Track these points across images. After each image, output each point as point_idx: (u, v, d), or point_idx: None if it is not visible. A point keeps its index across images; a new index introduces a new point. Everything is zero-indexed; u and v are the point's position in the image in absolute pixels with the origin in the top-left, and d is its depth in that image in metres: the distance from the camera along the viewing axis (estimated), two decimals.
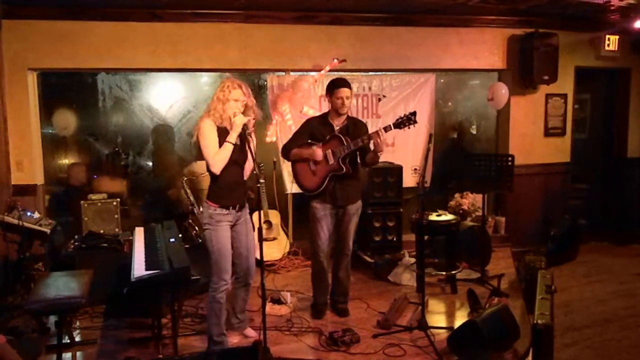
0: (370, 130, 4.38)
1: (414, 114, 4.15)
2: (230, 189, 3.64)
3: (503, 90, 6.08)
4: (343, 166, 4.22)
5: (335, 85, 4.29)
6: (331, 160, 4.26)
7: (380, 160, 4.36)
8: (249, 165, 3.76)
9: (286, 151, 4.44)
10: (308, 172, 4.34)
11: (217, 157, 3.53)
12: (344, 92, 4.25)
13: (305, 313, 4.57)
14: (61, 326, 3.68)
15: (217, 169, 3.55)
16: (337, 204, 4.34)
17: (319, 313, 4.54)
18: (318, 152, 4.26)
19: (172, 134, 6.51)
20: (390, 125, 4.17)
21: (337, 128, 4.33)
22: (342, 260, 4.48)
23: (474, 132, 7.10)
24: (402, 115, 4.18)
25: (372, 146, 4.22)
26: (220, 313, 3.68)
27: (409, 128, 4.19)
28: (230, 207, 3.64)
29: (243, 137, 3.58)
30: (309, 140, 4.36)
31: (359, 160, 4.40)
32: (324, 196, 4.32)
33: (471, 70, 6.59)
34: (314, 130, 4.38)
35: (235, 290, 3.93)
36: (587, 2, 5.38)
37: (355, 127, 4.37)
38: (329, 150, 4.26)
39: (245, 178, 3.80)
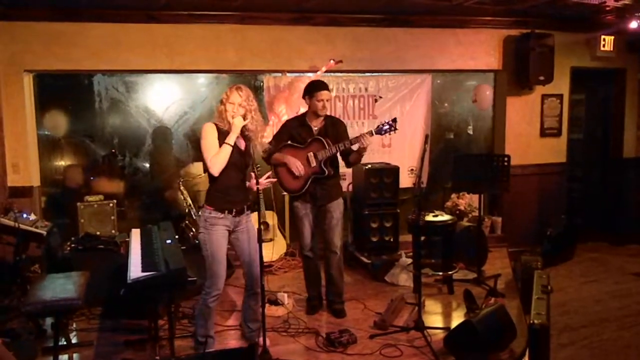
0: (356, 131, 4.39)
1: (394, 120, 4.26)
2: (227, 192, 3.61)
3: (487, 91, 6.11)
4: (325, 169, 4.28)
5: (315, 88, 4.31)
6: (313, 163, 4.30)
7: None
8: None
9: (267, 155, 4.43)
10: (290, 174, 4.37)
11: (215, 158, 3.51)
12: (325, 94, 4.28)
13: (302, 314, 4.58)
14: (57, 328, 3.68)
15: (215, 170, 3.52)
16: (317, 204, 4.40)
17: (312, 309, 4.62)
18: (299, 167, 4.29)
19: (169, 135, 6.50)
20: (371, 131, 4.24)
21: (316, 129, 4.37)
22: (331, 258, 4.48)
23: (471, 132, 7.11)
24: (383, 122, 4.27)
25: (355, 146, 4.26)
26: (208, 317, 3.68)
27: (390, 134, 4.30)
28: (226, 211, 3.60)
29: (246, 139, 3.59)
30: (289, 143, 4.38)
31: (340, 160, 4.47)
32: (305, 196, 4.38)
33: (467, 71, 6.61)
34: (293, 132, 4.41)
35: (246, 299, 3.89)
36: (582, 2, 5.39)
37: (334, 127, 4.41)
38: (311, 153, 4.30)
39: (249, 184, 3.74)
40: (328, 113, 4.47)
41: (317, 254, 4.58)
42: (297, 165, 4.29)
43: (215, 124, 3.59)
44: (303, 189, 4.34)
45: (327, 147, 4.26)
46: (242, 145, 3.64)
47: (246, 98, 3.59)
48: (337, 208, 4.43)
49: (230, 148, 3.52)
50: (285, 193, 6.09)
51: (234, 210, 3.63)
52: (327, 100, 4.30)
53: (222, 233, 3.62)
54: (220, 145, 3.53)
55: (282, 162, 4.36)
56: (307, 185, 4.33)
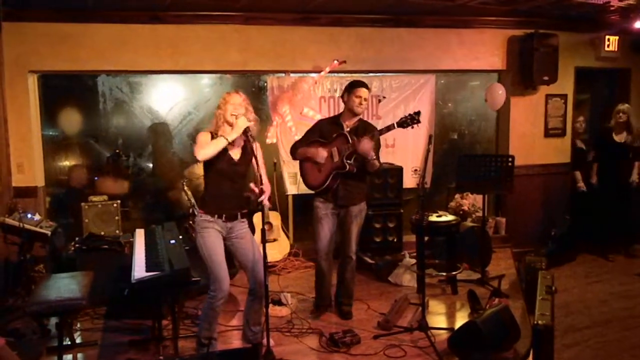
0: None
1: (418, 113, 4.16)
2: (218, 199, 3.62)
3: (500, 91, 6.08)
4: (347, 164, 4.23)
5: (355, 85, 4.34)
6: (336, 158, 4.28)
7: (380, 161, 4.35)
8: (264, 179, 3.66)
9: (294, 149, 4.48)
10: (314, 169, 4.37)
11: (202, 146, 3.52)
12: (363, 92, 4.30)
13: (305, 314, 4.58)
14: (62, 328, 3.69)
15: (200, 155, 3.50)
16: (339, 203, 4.36)
17: (317, 309, 4.62)
18: (322, 153, 4.29)
19: (169, 133, 6.49)
20: (393, 124, 4.19)
21: (348, 129, 4.35)
22: (346, 262, 4.47)
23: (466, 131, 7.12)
24: (406, 115, 4.20)
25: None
26: (213, 320, 3.68)
27: (412, 127, 4.22)
28: (216, 216, 3.61)
29: (246, 145, 3.59)
30: (317, 139, 4.39)
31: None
32: (327, 195, 4.35)
33: (471, 71, 6.60)
34: (323, 129, 4.43)
35: (249, 303, 3.88)
36: (586, 2, 5.38)
37: (365, 130, 4.35)
38: (335, 148, 4.28)
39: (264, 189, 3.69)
40: (332, 112, 4.45)
41: (330, 261, 4.53)
42: (321, 154, 4.27)
43: (210, 132, 3.61)
44: (324, 184, 4.31)
45: (349, 141, 4.22)
46: (235, 155, 3.64)
47: (245, 99, 3.66)
48: (359, 212, 4.41)
49: (225, 142, 3.51)
50: (288, 194, 6.14)
51: (224, 215, 3.63)
52: (364, 99, 4.30)
53: (215, 235, 3.63)
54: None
55: (306, 156, 4.37)
56: (328, 180, 4.29)
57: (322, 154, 4.28)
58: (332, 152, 4.30)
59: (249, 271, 3.77)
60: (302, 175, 4.49)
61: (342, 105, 6.10)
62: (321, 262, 4.48)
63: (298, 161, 4.52)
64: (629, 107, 6.25)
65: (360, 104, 4.29)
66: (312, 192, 4.45)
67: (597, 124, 7.28)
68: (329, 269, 4.53)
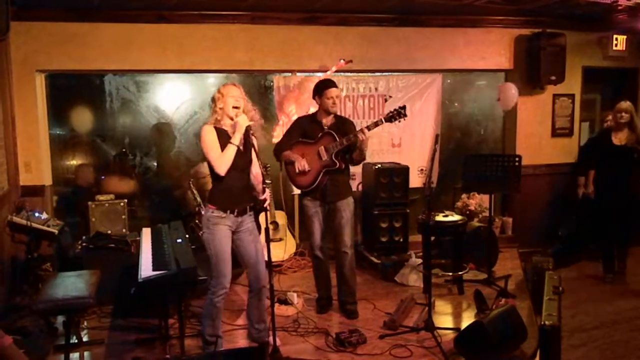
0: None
1: (403, 107, 4.29)
2: (230, 193, 3.62)
3: (512, 90, 6.04)
4: (336, 162, 4.31)
5: (324, 86, 4.39)
6: (324, 157, 4.33)
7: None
8: (255, 169, 3.73)
9: (278, 151, 4.52)
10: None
11: (221, 159, 3.52)
12: (334, 92, 4.36)
13: (311, 314, 4.58)
14: (69, 326, 3.70)
15: (222, 170, 3.53)
16: (327, 200, 4.41)
17: (322, 308, 4.64)
18: (305, 166, 4.34)
19: (172, 133, 6.50)
20: (381, 119, 4.30)
21: (326, 126, 4.42)
22: (343, 258, 4.48)
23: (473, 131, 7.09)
24: (393, 110, 4.29)
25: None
26: (215, 316, 3.69)
27: (399, 121, 4.36)
28: (228, 211, 3.61)
29: (247, 139, 3.60)
30: (301, 139, 4.44)
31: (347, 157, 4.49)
32: (315, 193, 4.41)
33: (478, 71, 6.58)
34: (305, 128, 4.47)
35: (250, 300, 3.88)
36: (594, 1, 5.36)
37: (343, 125, 4.46)
38: (322, 147, 4.35)
39: (255, 182, 3.75)
40: (338, 112, 4.52)
41: (327, 254, 4.59)
42: (302, 164, 4.34)
43: (215, 127, 3.61)
44: (314, 183, 4.37)
45: (337, 139, 4.29)
46: (241, 145, 3.63)
47: (242, 92, 3.66)
48: (347, 207, 4.44)
49: (235, 148, 3.53)
50: (294, 193, 6.14)
51: (236, 210, 3.64)
52: (336, 97, 4.37)
53: (225, 232, 3.63)
54: (222, 144, 3.55)
55: (291, 160, 4.41)
56: (318, 179, 4.35)
57: (305, 165, 4.34)
58: (319, 152, 4.35)
59: (251, 266, 3.78)
60: (288, 175, 4.53)
61: (348, 105, 6.18)
62: (318, 254, 4.54)
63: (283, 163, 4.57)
64: (631, 105, 5.43)
65: (334, 103, 4.37)
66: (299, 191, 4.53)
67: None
68: (325, 259, 4.58)
